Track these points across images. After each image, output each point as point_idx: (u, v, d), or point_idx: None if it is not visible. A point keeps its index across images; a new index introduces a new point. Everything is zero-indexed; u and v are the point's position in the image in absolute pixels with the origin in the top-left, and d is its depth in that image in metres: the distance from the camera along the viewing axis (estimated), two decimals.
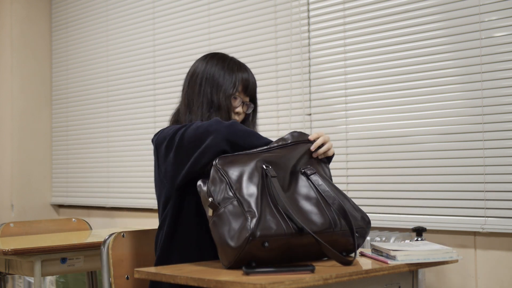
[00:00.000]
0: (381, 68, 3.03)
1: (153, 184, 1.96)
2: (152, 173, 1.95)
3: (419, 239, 2.71)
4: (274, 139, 1.83)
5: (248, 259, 1.59)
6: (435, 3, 2.86)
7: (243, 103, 1.98)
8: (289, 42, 3.41)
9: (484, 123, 2.69)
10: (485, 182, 2.67)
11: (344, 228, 1.71)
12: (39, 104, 5.04)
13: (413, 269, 1.73)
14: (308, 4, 3.34)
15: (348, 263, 1.63)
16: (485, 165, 2.68)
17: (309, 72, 3.31)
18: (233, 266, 1.60)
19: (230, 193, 1.65)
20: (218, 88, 1.94)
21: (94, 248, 2.58)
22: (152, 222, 4.14)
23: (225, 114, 1.93)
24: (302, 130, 3.28)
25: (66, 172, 4.95)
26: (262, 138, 1.82)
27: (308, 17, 3.34)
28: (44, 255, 2.51)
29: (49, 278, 4.11)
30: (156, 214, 4.19)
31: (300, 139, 1.83)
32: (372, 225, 1.80)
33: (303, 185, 1.75)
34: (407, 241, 1.80)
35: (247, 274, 1.50)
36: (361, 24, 3.12)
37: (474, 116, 2.72)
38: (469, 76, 2.74)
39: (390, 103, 3.00)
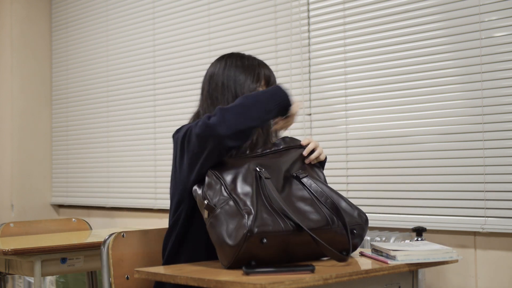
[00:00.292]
0: (381, 68, 3.03)
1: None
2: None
3: (419, 239, 2.71)
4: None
5: (248, 258, 1.59)
6: (435, 3, 2.86)
7: None
8: (289, 42, 3.41)
9: (484, 123, 2.69)
10: (485, 182, 2.67)
11: (341, 225, 1.73)
12: (39, 104, 5.04)
13: (413, 269, 1.73)
14: (308, 4, 3.34)
15: (343, 259, 1.63)
16: (485, 165, 2.68)
17: (309, 72, 3.31)
18: (233, 265, 1.60)
19: (225, 194, 1.66)
20: (242, 83, 1.94)
21: (94, 248, 2.58)
22: (152, 222, 4.14)
23: None
24: (302, 130, 3.29)
25: (66, 172, 4.95)
26: (250, 98, 1.79)
27: (308, 17, 3.34)
28: (44, 255, 2.51)
29: (49, 278, 4.11)
30: (156, 214, 4.21)
31: (291, 144, 1.86)
32: (372, 225, 1.80)
33: (296, 188, 1.77)
34: (407, 241, 1.80)
35: (247, 274, 1.50)
36: (361, 24, 3.12)
37: (474, 116, 2.72)
38: (469, 76, 2.74)
39: (390, 103, 3.00)
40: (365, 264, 1.67)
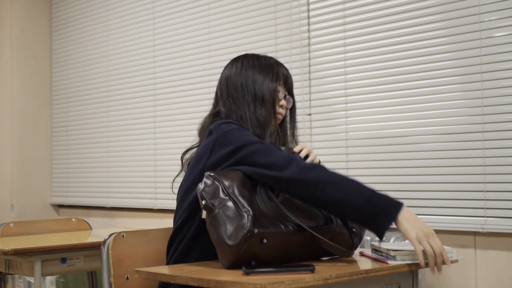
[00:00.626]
0: (381, 68, 3.03)
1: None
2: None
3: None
4: None
5: (248, 258, 1.59)
6: (435, 3, 2.86)
7: (285, 95, 1.99)
8: (289, 42, 3.41)
9: (484, 123, 2.69)
10: (485, 182, 2.67)
11: (340, 224, 1.74)
12: (39, 104, 5.04)
13: (413, 269, 1.73)
14: (308, 4, 3.34)
15: (347, 253, 1.65)
16: (485, 165, 2.68)
17: (309, 72, 3.31)
18: (233, 265, 1.60)
19: (224, 195, 1.66)
20: (261, 82, 1.93)
21: (94, 248, 2.58)
22: (152, 222, 4.14)
23: (270, 106, 1.93)
24: (302, 130, 3.29)
25: (66, 172, 4.95)
26: (348, 184, 1.68)
27: (308, 17, 3.34)
28: (44, 255, 2.51)
29: (49, 278, 4.11)
30: (156, 214, 4.21)
31: (284, 151, 1.86)
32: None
33: None
34: (407, 241, 1.80)
35: (247, 274, 1.50)
36: (361, 24, 3.12)
37: (474, 116, 2.72)
38: (469, 76, 2.74)
39: (390, 103, 3.00)
40: (365, 264, 1.68)
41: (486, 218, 2.67)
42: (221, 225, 1.62)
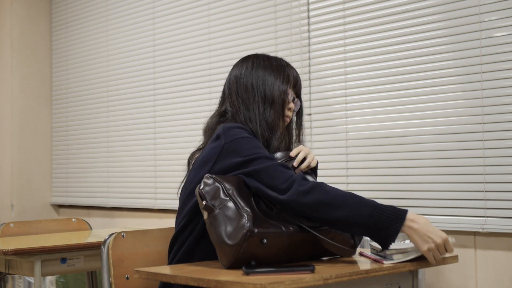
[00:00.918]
0: (381, 68, 3.03)
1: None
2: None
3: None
4: None
5: (248, 258, 1.59)
6: (435, 3, 2.86)
7: (293, 98, 1.98)
8: (289, 42, 3.41)
9: (484, 123, 2.69)
10: (485, 182, 2.67)
11: None
12: (39, 104, 5.04)
13: (413, 269, 1.73)
14: (308, 4, 3.34)
15: (348, 252, 1.65)
16: (485, 165, 2.68)
17: (309, 72, 3.31)
18: (233, 265, 1.60)
19: (225, 195, 1.66)
20: (271, 83, 1.92)
21: (94, 248, 2.58)
22: (152, 222, 4.14)
23: (279, 108, 1.92)
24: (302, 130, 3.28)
25: (66, 172, 4.95)
26: (348, 201, 1.66)
27: (308, 17, 3.34)
28: (44, 255, 2.51)
29: (49, 278, 4.11)
30: (156, 214, 4.21)
31: (281, 158, 1.86)
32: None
33: None
34: (407, 241, 1.80)
35: (247, 274, 1.50)
36: (361, 24, 3.12)
37: (474, 116, 2.72)
38: (469, 76, 2.74)
39: (390, 103, 3.00)
40: (365, 264, 1.68)
41: (486, 218, 2.67)
42: (221, 225, 1.62)
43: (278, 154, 1.87)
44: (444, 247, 1.65)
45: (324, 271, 1.53)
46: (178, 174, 2.05)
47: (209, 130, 1.93)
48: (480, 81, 2.70)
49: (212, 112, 2.00)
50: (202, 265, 1.70)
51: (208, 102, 3.79)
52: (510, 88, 2.62)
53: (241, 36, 3.68)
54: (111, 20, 4.59)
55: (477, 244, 2.72)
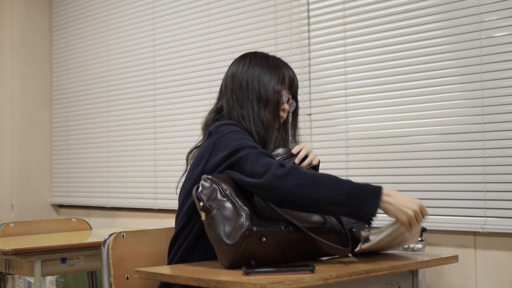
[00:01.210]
0: (381, 68, 3.03)
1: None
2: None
3: (419, 239, 2.71)
4: None
5: (247, 257, 1.59)
6: (435, 3, 2.86)
7: (288, 99, 1.98)
8: (289, 42, 3.41)
9: (484, 123, 2.69)
10: (485, 182, 2.67)
11: (340, 224, 1.74)
12: (39, 104, 5.04)
13: (413, 269, 1.73)
14: (308, 4, 3.34)
15: (342, 251, 1.65)
16: (485, 165, 2.68)
17: (309, 72, 3.31)
18: (233, 265, 1.60)
19: (222, 196, 1.66)
20: (266, 83, 1.92)
21: (94, 248, 2.58)
22: (152, 222, 4.14)
23: (273, 109, 1.92)
24: (302, 130, 3.28)
25: (66, 172, 4.95)
26: (325, 182, 1.68)
27: (308, 17, 3.34)
28: (44, 255, 2.51)
29: (49, 278, 4.11)
30: (156, 214, 4.21)
31: (283, 154, 1.87)
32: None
33: None
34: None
35: (247, 274, 1.50)
36: (361, 24, 3.12)
37: (474, 116, 2.72)
38: (469, 76, 2.74)
39: (390, 103, 3.00)
40: (365, 264, 1.68)
41: (486, 218, 2.67)
42: (219, 225, 1.62)
43: (280, 151, 1.87)
44: (421, 212, 1.68)
45: (324, 271, 1.53)
46: (178, 174, 2.05)
47: (206, 128, 1.95)
48: (480, 81, 2.70)
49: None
50: (202, 265, 1.70)
51: (208, 102, 3.79)
52: (510, 88, 2.62)
53: (241, 36, 3.68)
54: (111, 20, 4.59)
55: (477, 244, 2.72)
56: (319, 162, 1.93)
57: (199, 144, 1.98)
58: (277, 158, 1.82)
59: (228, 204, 1.64)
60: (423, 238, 2.72)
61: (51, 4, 5.14)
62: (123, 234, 1.99)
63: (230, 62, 2.05)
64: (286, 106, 1.97)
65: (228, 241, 1.59)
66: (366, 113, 3.08)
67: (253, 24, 3.62)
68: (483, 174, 2.68)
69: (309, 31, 3.33)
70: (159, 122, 4.17)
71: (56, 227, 3.16)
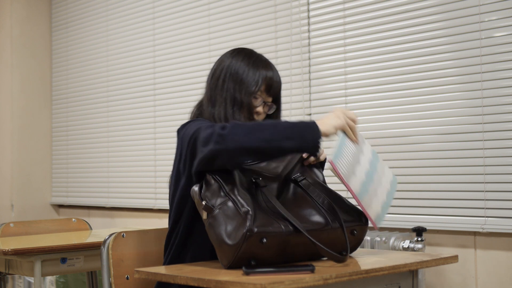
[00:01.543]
0: (381, 68, 3.03)
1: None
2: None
3: (419, 239, 2.71)
4: None
5: (247, 258, 1.59)
6: (435, 3, 2.86)
7: (264, 103, 1.93)
8: (289, 42, 3.41)
9: (484, 123, 2.69)
10: (485, 182, 2.67)
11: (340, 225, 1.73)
12: (39, 104, 5.04)
13: (413, 269, 1.73)
14: (308, 4, 3.34)
15: (339, 259, 1.63)
16: (485, 165, 2.68)
17: (309, 72, 3.31)
18: (233, 265, 1.60)
19: (224, 195, 1.66)
20: (241, 85, 1.89)
21: (94, 248, 2.58)
22: (152, 222, 4.14)
23: (247, 112, 1.90)
24: None
25: (66, 172, 4.95)
26: (265, 126, 1.70)
27: (308, 17, 3.34)
28: (44, 255, 2.51)
29: (49, 278, 4.11)
30: (156, 214, 4.20)
31: None
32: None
33: (295, 192, 1.77)
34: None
35: (247, 274, 1.50)
36: (361, 24, 3.12)
37: (474, 116, 2.72)
38: (469, 76, 2.74)
39: (390, 103, 3.00)
40: (365, 264, 1.67)
41: (486, 218, 2.67)
42: (220, 225, 1.62)
43: None
44: (348, 116, 1.75)
45: (324, 271, 1.53)
46: None
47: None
48: (480, 81, 2.70)
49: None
50: (202, 265, 1.70)
51: None
52: (510, 88, 2.62)
53: (241, 36, 3.68)
54: (111, 20, 4.60)
55: (477, 244, 2.72)
56: (325, 159, 1.91)
57: None
58: None
59: (230, 203, 1.64)
60: (423, 238, 2.73)
61: (51, 4, 5.14)
62: (123, 234, 1.99)
63: None
64: (259, 109, 1.92)
65: (229, 241, 1.58)
66: (366, 113, 3.08)
67: (253, 24, 3.63)
68: (483, 174, 2.68)
69: (309, 31, 3.33)
70: (159, 122, 4.17)
71: (56, 227, 3.15)
